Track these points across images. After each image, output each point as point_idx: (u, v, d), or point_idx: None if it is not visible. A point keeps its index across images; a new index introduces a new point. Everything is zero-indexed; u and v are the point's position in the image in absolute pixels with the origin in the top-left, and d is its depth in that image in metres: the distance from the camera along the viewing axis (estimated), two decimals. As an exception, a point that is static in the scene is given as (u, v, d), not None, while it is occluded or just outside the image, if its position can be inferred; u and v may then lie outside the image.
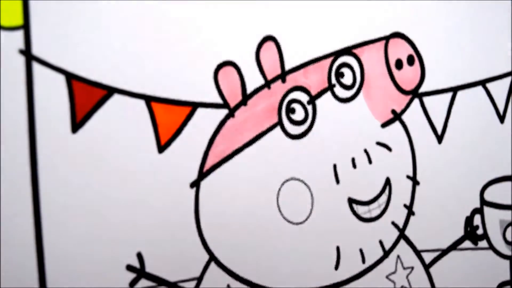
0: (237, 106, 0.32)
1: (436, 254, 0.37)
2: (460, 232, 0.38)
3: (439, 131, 0.37)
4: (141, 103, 0.29)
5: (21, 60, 0.27)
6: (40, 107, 0.27)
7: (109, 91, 0.29)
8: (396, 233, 0.36)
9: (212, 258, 0.31)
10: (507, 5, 0.39)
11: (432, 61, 0.37)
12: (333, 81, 0.34)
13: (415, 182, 0.37)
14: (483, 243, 0.39)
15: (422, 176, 0.37)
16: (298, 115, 0.33)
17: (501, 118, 0.39)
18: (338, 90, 0.34)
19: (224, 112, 0.31)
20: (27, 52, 0.27)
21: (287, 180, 0.33)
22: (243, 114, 0.32)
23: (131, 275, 0.29)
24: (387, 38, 0.36)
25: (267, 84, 0.32)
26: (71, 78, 0.28)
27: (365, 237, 0.35)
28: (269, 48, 0.32)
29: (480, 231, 0.39)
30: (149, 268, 0.29)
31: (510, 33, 0.39)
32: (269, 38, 0.32)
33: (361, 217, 0.35)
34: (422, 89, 0.37)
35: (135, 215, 0.29)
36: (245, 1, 0.32)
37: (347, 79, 0.35)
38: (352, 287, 0.35)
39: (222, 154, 0.31)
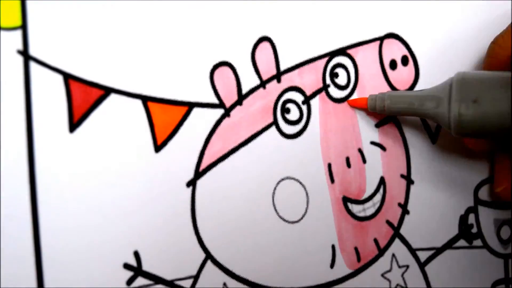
0: (233, 106, 0.32)
1: (431, 252, 0.38)
2: (455, 231, 0.39)
3: (433, 130, 0.38)
4: (138, 103, 0.30)
5: (19, 60, 0.27)
6: (37, 107, 0.27)
7: (106, 91, 0.29)
8: (391, 232, 0.36)
9: (209, 256, 0.31)
10: (504, 5, 0.39)
11: (426, 61, 0.37)
12: (328, 81, 0.35)
13: (409, 181, 0.37)
14: (477, 242, 0.39)
15: (417, 175, 0.37)
16: (293, 115, 0.34)
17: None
18: (333, 90, 0.35)
19: (220, 112, 0.32)
20: (25, 53, 0.27)
21: (282, 179, 0.33)
22: (239, 114, 0.32)
23: (128, 273, 0.29)
24: (381, 39, 0.36)
25: (263, 84, 0.33)
26: (68, 78, 0.28)
27: (360, 235, 0.35)
28: (264, 49, 0.33)
29: (474, 230, 0.39)
30: (146, 267, 0.30)
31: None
32: (264, 38, 0.33)
33: (356, 216, 0.35)
34: (416, 89, 0.37)
35: (132, 214, 0.29)
36: (241, 1, 0.32)
37: (342, 79, 0.35)
38: (347, 286, 0.35)
39: (218, 153, 0.32)
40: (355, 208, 0.35)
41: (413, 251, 0.37)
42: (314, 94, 0.34)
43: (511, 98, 0.29)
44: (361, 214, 0.36)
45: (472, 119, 0.30)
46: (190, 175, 0.31)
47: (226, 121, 0.32)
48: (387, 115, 0.35)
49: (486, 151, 0.37)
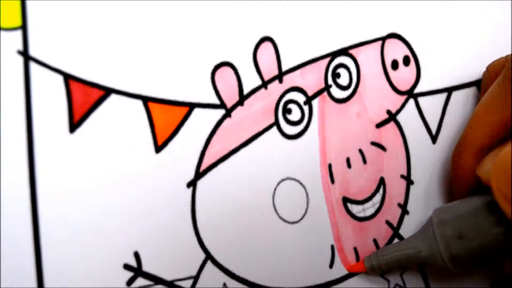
0: (234, 107, 0.32)
1: (429, 252, 0.38)
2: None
3: (434, 131, 0.38)
4: (139, 103, 0.29)
5: (19, 60, 0.27)
6: (38, 107, 0.27)
7: (107, 91, 0.29)
8: (390, 232, 0.36)
9: (209, 257, 0.31)
10: (504, 5, 0.39)
11: (427, 61, 0.37)
12: (330, 81, 0.34)
13: (409, 181, 0.37)
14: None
15: (417, 175, 0.37)
16: (295, 115, 0.33)
17: (495, 119, 0.39)
18: (335, 90, 0.35)
19: (221, 112, 0.31)
20: (25, 53, 0.27)
21: (282, 180, 0.33)
22: (240, 115, 0.32)
23: (128, 274, 0.29)
24: (383, 39, 0.36)
25: (264, 84, 0.33)
26: (68, 79, 0.28)
27: (359, 236, 0.35)
28: (266, 49, 0.33)
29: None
30: (146, 267, 0.30)
31: (508, 34, 0.39)
32: (266, 38, 0.32)
33: (356, 216, 0.35)
34: (417, 89, 0.37)
35: (133, 214, 0.29)
36: (242, 1, 0.32)
37: (344, 80, 0.35)
38: (346, 286, 0.35)
39: (219, 154, 0.31)
40: (355, 209, 0.35)
41: (412, 251, 0.37)
42: (316, 95, 0.34)
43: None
44: (361, 215, 0.36)
45: (466, 255, 0.31)
46: (191, 175, 0.31)
47: (227, 121, 0.32)
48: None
49: None
